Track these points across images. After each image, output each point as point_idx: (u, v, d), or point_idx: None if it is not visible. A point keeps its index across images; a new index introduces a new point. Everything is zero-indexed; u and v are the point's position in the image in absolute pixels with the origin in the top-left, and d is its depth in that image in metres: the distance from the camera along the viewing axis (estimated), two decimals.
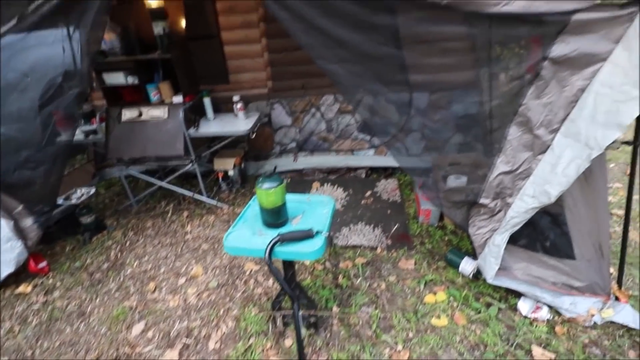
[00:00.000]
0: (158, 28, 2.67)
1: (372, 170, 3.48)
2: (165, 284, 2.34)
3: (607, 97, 1.38)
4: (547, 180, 1.57)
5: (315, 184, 3.33)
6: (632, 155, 1.62)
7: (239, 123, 2.94)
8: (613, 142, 1.66)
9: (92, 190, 2.83)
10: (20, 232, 2.29)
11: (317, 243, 1.35)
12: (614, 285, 1.84)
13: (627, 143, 1.64)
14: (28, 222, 2.34)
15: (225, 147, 3.34)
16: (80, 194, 2.78)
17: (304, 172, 3.53)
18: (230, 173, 3.25)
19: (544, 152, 1.59)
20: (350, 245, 2.51)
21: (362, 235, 2.61)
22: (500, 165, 1.68)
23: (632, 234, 2.43)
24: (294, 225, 1.50)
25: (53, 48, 3.15)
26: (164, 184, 3.03)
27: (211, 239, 2.73)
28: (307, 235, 1.36)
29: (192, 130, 2.79)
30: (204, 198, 3.05)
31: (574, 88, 1.46)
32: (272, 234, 1.39)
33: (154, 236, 2.81)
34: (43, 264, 2.50)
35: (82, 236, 2.82)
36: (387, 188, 3.20)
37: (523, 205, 1.66)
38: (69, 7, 1.86)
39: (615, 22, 1.33)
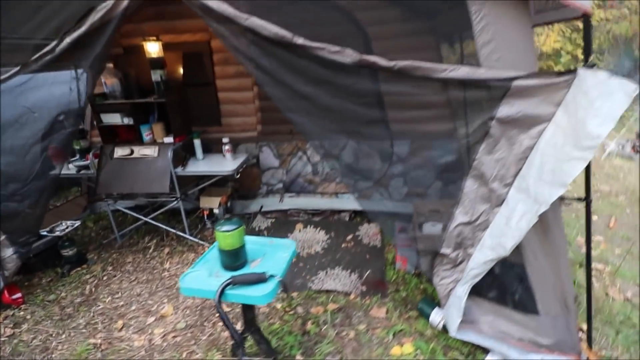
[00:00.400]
0: (156, 75, 2.90)
1: (356, 213, 3.52)
2: (133, 322, 2.31)
3: (552, 156, 1.46)
4: (503, 232, 1.60)
5: (299, 225, 3.36)
6: (586, 211, 1.66)
7: (226, 163, 3.07)
8: (565, 199, 1.72)
9: (77, 224, 2.89)
10: None
11: (268, 287, 1.37)
12: (584, 345, 1.79)
13: (579, 199, 1.69)
14: (8, 252, 2.39)
15: (214, 185, 3.44)
16: (65, 226, 2.84)
17: (289, 213, 3.58)
18: (216, 211, 3.32)
19: (500, 205, 1.64)
20: (324, 290, 2.49)
21: (337, 280, 2.59)
22: (459, 215, 1.72)
23: (611, 291, 2.39)
24: (252, 268, 1.53)
25: (62, 87, 3.41)
26: (148, 219, 3.09)
27: None
28: (259, 278, 1.39)
29: (179, 169, 2.91)
30: (186, 235, 3.09)
31: (522, 146, 1.54)
32: (229, 276, 1.42)
33: (132, 272, 2.82)
34: (17, 296, 2.51)
35: (62, 269, 2.83)
36: (369, 232, 3.21)
37: (482, 257, 1.67)
38: (74, 53, 2.03)
39: (554, 88, 1.44)
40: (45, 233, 2.78)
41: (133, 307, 2.44)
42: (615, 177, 4.43)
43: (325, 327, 2.13)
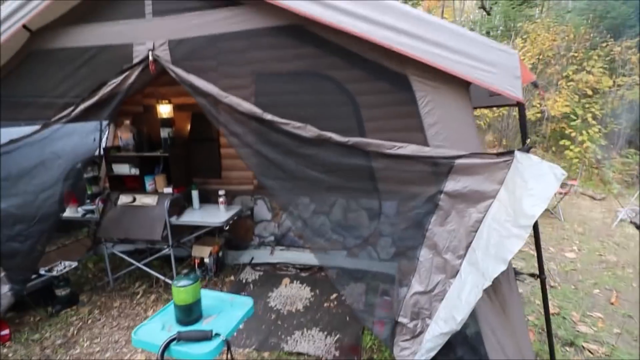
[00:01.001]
0: (164, 133, 3.23)
1: (344, 271, 3.50)
2: None
3: (496, 231, 1.51)
4: (455, 305, 1.60)
5: (286, 280, 3.38)
6: (541, 289, 1.64)
7: (219, 214, 3.23)
8: (521, 275, 1.72)
9: (74, 264, 3.07)
10: None
11: (210, 346, 1.42)
12: None
13: (532, 275, 1.68)
14: (4, 289, 2.55)
15: (209, 234, 3.59)
16: (63, 266, 3.02)
17: (278, 266, 3.62)
18: (206, 260, 3.42)
19: (454, 276, 1.65)
20: (295, 352, 2.44)
21: (312, 342, 2.55)
22: (415, 284, 1.74)
23: None
24: (204, 324, 1.59)
25: (88, 137, 3.81)
26: (140, 264, 3.22)
27: None
28: (204, 336, 1.44)
29: (173, 218, 3.09)
30: None
31: (471, 219, 1.61)
32: (180, 330, 1.48)
33: (116, 317, 2.89)
34: (5, 332, 2.62)
35: (53, 308, 2.95)
36: (354, 292, 3.17)
37: (437, 329, 1.65)
38: (87, 116, 2.34)
39: (495, 167, 1.54)
40: (43, 272, 2.96)
41: (107, 354, 2.47)
42: (625, 246, 4.21)
43: None
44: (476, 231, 1.60)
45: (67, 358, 2.44)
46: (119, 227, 3.13)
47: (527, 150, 1.49)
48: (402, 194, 1.80)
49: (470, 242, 1.61)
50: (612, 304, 3.02)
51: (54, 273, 2.95)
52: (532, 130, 10.00)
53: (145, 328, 1.56)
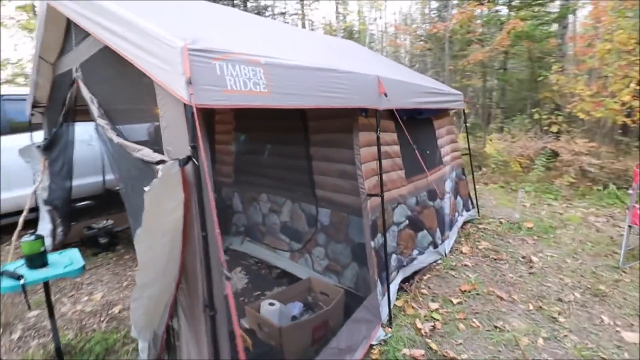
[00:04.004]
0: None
1: (285, 273, 3.49)
2: (70, 295, 3.34)
3: None
4: None
5: (236, 269, 3.68)
6: (211, 325, 1.41)
7: None
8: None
9: (111, 222, 4.34)
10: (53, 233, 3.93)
11: (9, 283, 1.99)
12: None
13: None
14: (59, 230, 3.96)
15: None
16: (104, 223, 4.33)
17: (241, 256, 3.94)
18: None
19: None
20: None
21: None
22: None
23: None
24: (39, 271, 2.19)
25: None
26: None
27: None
28: (12, 275, 2.03)
29: None
30: None
31: None
32: (23, 272, 2.14)
33: (123, 265, 3.95)
34: None
35: (96, 250, 4.28)
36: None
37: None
38: (68, 117, 3.39)
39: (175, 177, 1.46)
40: (93, 226, 4.33)
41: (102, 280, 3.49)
42: None
43: None
44: None
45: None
46: None
47: (187, 161, 1.35)
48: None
49: None
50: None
51: (95, 228, 4.28)
52: None
53: (11, 263, 2.30)
